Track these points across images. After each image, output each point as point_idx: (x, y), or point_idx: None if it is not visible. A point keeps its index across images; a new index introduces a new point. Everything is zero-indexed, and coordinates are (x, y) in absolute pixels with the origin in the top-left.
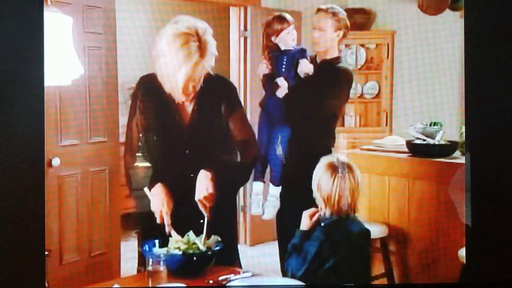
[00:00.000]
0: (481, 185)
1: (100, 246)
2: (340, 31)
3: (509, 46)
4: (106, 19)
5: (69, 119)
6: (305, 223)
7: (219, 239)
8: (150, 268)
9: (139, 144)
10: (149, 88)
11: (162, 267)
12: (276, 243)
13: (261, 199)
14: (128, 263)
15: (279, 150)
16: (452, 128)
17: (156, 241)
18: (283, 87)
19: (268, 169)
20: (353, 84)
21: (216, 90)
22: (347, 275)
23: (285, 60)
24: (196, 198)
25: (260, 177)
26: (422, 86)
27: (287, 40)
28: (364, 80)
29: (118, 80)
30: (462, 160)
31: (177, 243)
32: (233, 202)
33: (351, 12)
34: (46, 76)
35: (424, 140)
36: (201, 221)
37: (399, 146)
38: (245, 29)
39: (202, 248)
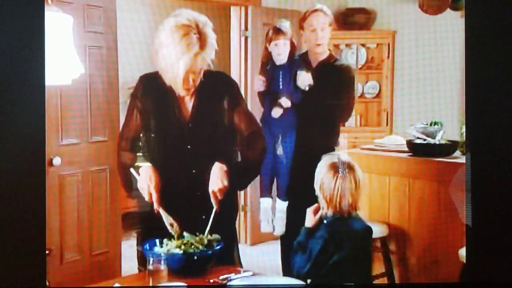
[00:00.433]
0: (481, 185)
1: (100, 245)
2: (331, 28)
3: (509, 46)
4: (107, 18)
5: (69, 119)
6: (310, 219)
7: (219, 238)
8: (151, 267)
9: (140, 144)
10: (149, 86)
11: (163, 266)
12: (276, 242)
13: (270, 215)
14: (129, 262)
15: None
16: (452, 127)
17: (157, 240)
18: (279, 108)
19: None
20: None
21: (216, 85)
22: (350, 272)
23: (281, 74)
24: (210, 190)
25: (267, 193)
26: (422, 85)
27: (281, 51)
28: (364, 79)
29: (118, 79)
30: (462, 159)
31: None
32: (235, 200)
33: (351, 12)
34: (46, 76)
35: (425, 139)
36: (203, 217)
37: (399, 145)
38: (246, 28)
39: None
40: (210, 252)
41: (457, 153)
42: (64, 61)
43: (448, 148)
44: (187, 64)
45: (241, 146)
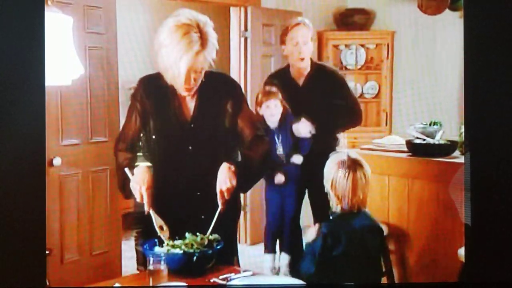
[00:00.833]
0: (481, 185)
1: (101, 245)
2: (313, 42)
3: (509, 46)
4: (107, 19)
5: (70, 119)
6: (309, 236)
7: (219, 238)
8: (151, 267)
9: (140, 144)
10: (149, 86)
11: (163, 266)
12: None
13: (274, 272)
14: (129, 262)
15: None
16: (451, 127)
17: (157, 240)
18: (281, 175)
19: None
20: (353, 84)
21: (218, 86)
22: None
23: (280, 139)
24: (218, 189)
25: (271, 250)
26: (421, 86)
27: (273, 111)
28: (364, 80)
29: (118, 79)
30: (461, 159)
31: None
32: (238, 200)
33: (351, 12)
34: (47, 76)
35: (424, 139)
36: (202, 217)
37: (399, 145)
38: (246, 29)
39: (206, 241)
40: (210, 252)
41: (457, 153)
42: (64, 61)
43: (447, 148)
44: (188, 63)
45: (244, 149)
